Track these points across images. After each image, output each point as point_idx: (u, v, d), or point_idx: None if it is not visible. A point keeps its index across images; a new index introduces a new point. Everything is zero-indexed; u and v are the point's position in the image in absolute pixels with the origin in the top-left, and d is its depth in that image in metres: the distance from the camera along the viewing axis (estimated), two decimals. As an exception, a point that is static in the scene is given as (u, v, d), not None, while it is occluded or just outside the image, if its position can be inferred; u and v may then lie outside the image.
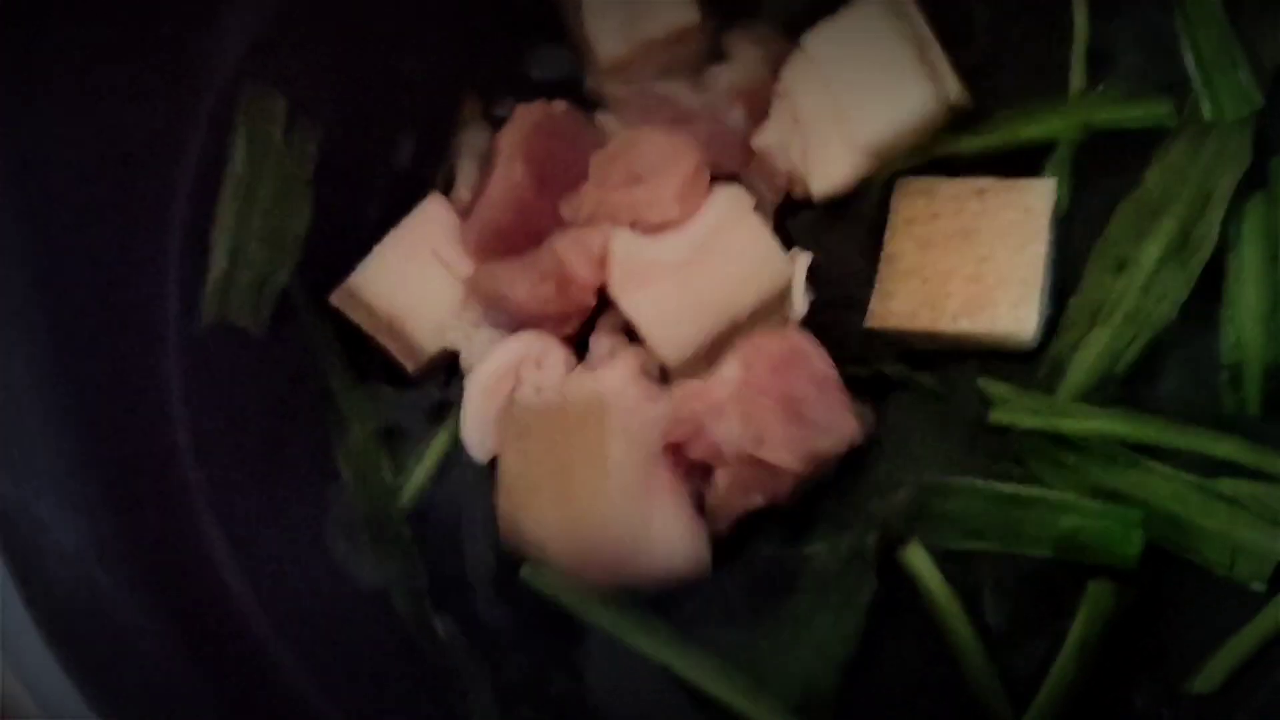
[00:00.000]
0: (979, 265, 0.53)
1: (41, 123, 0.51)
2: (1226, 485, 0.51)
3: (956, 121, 0.56)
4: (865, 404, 0.55)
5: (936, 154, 0.55)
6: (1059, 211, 0.54)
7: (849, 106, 0.55)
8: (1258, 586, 0.50)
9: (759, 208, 0.56)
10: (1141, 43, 0.55)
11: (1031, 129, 0.55)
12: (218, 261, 0.59)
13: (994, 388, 0.53)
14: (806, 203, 0.57)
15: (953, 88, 0.55)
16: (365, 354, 0.59)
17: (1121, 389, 0.52)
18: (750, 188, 0.56)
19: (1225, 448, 0.51)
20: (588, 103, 0.59)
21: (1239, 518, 0.50)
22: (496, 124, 0.60)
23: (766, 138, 0.56)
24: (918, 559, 0.53)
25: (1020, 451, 0.53)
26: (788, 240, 0.56)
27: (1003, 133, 0.55)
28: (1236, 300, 0.52)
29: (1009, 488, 0.52)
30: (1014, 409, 0.53)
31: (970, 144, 0.56)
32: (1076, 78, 0.55)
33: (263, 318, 0.59)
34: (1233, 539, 0.50)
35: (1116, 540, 0.51)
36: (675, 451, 0.53)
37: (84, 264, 0.54)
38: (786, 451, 0.52)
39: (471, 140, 0.60)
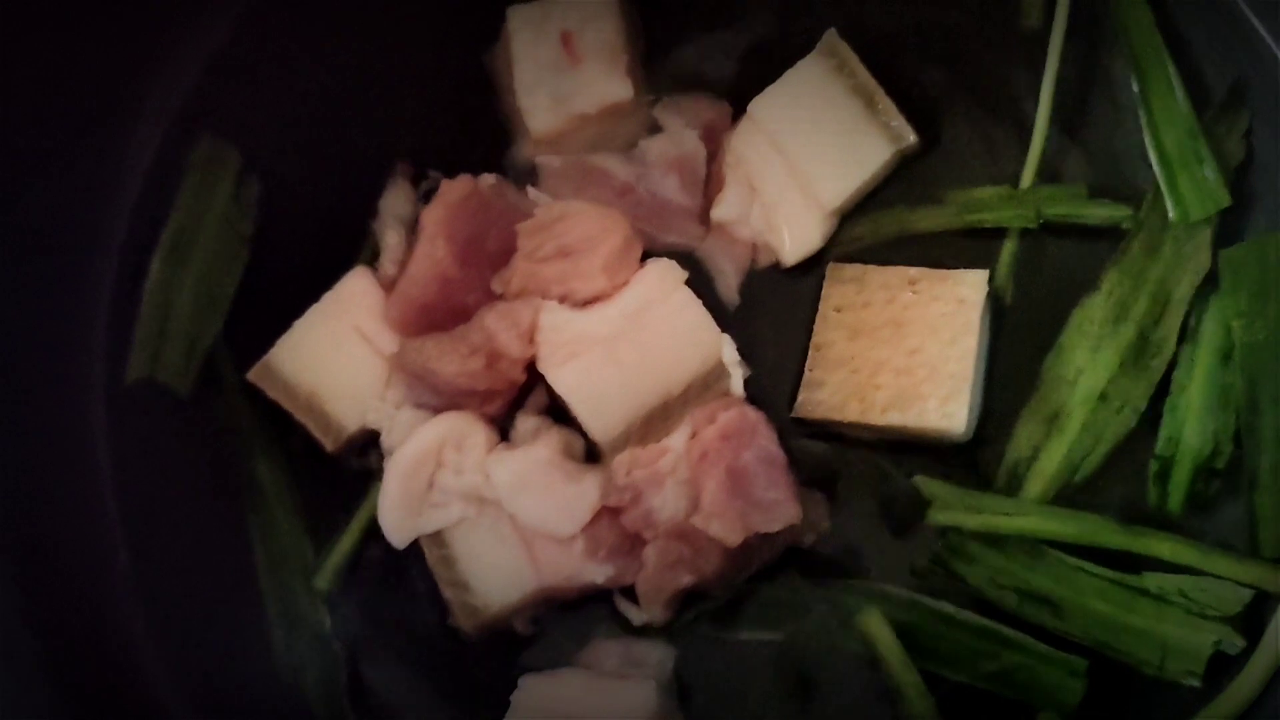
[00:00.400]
0: (909, 358, 0.52)
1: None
2: (1152, 581, 0.49)
3: (910, 195, 0.55)
4: (817, 494, 0.54)
5: (890, 234, 0.55)
6: (1004, 299, 0.53)
7: (807, 168, 0.54)
8: (1192, 682, 0.48)
9: (722, 280, 0.55)
10: (1096, 149, 0.54)
11: (987, 214, 0.54)
12: (148, 315, 0.57)
13: (931, 486, 0.52)
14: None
15: (905, 132, 0.54)
16: (287, 425, 0.57)
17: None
18: (710, 260, 0.56)
19: (1166, 549, 0.50)
20: (520, 174, 0.58)
21: (1166, 614, 0.49)
22: (426, 196, 0.58)
23: (725, 210, 0.55)
24: (874, 624, 0.51)
25: (944, 550, 0.52)
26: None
27: (959, 214, 0.54)
28: (1181, 396, 0.51)
29: (959, 612, 0.51)
30: (952, 510, 0.52)
31: (925, 220, 0.55)
32: (1028, 175, 0.54)
33: (190, 379, 0.57)
34: (1161, 637, 0.49)
35: (1057, 687, 0.50)
36: (609, 518, 0.52)
37: (10, 311, 0.52)
38: (722, 523, 0.51)
39: (395, 209, 0.58)
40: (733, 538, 0.51)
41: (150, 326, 0.57)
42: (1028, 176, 0.54)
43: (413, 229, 0.58)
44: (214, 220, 0.58)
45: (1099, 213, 0.53)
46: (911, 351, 0.51)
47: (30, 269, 0.54)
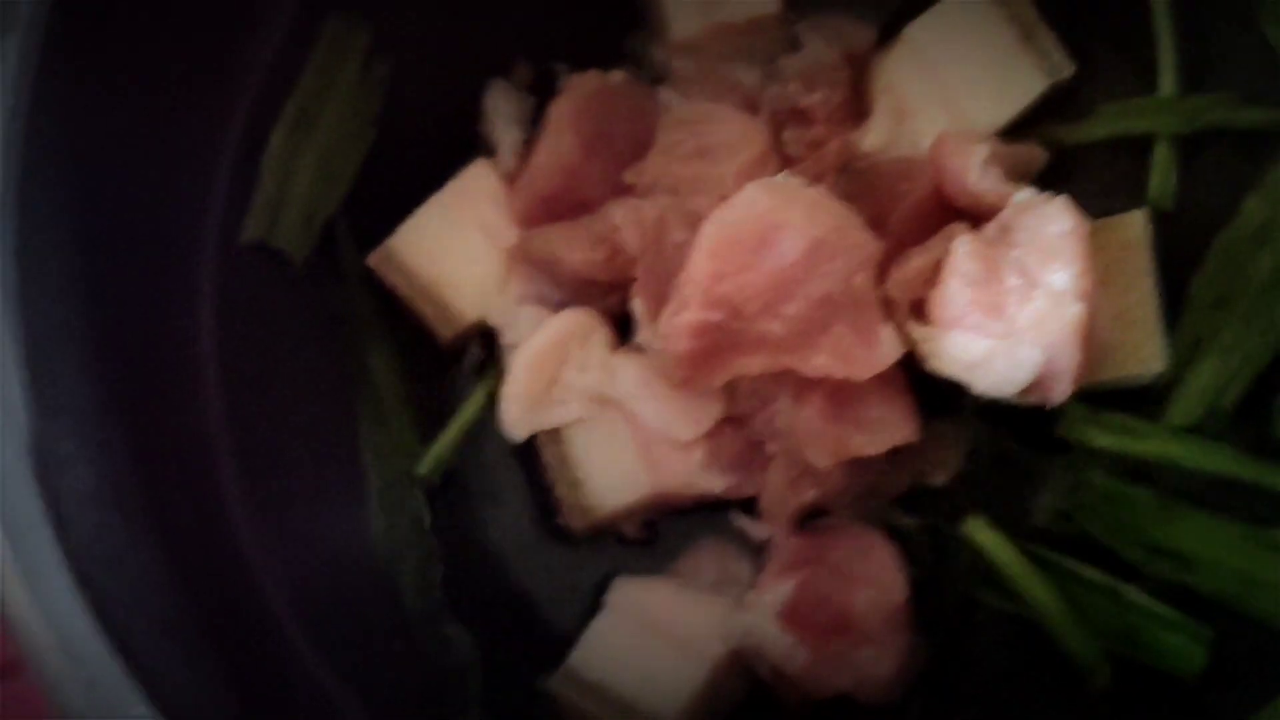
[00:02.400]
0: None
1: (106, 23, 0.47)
2: None
3: (1060, 109, 0.55)
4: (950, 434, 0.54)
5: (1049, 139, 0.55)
6: (1167, 207, 0.53)
7: (960, 94, 0.54)
8: None
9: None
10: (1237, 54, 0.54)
11: (1138, 122, 0.54)
12: (267, 181, 0.55)
13: (1070, 407, 0.51)
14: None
15: (1063, 64, 0.54)
16: (399, 316, 0.57)
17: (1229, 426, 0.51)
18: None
19: None
20: (650, 75, 0.58)
21: None
22: (535, 91, 0.58)
23: (874, 137, 0.54)
24: (981, 533, 0.51)
25: (1072, 504, 0.52)
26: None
27: (1109, 124, 0.54)
28: None
29: (1082, 567, 0.51)
30: (1084, 426, 0.52)
31: (1074, 134, 0.55)
32: (1166, 83, 0.54)
33: (305, 247, 0.56)
34: None
35: (1180, 652, 0.50)
36: (733, 427, 0.52)
37: (127, 170, 0.50)
38: (814, 448, 0.50)
39: (501, 109, 0.58)
40: (825, 462, 0.51)
41: (269, 192, 0.55)
42: (1166, 86, 0.54)
43: (525, 125, 0.57)
44: (340, 95, 0.56)
45: (1252, 116, 0.53)
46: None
47: (161, 116, 0.52)
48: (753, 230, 0.47)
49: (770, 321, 0.47)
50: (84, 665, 0.41)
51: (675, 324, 0.47)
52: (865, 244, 0.47)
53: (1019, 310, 0.47)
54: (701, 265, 0.46)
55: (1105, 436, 0.52)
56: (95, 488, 0.47)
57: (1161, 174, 0.54)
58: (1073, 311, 0.46)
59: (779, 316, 0.47)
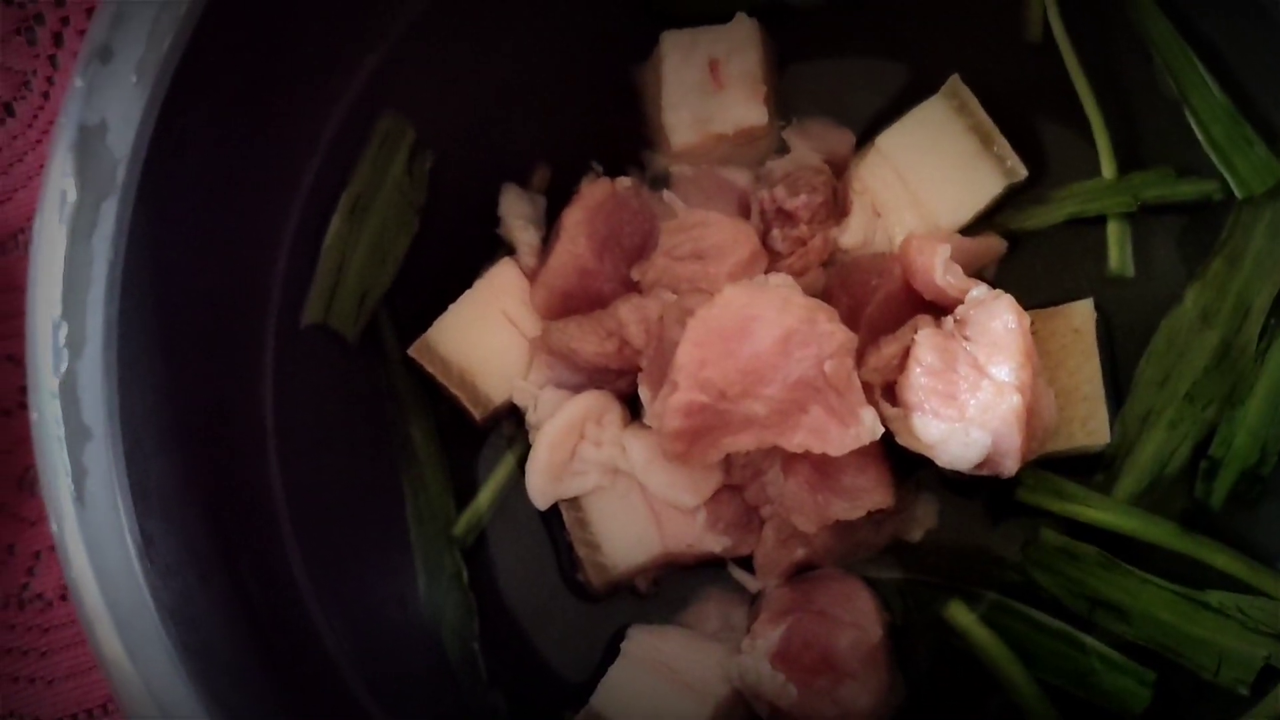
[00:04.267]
0: None
1: (183, 131, 0.53)
2: (1214, 597, 0.55)
3: (1017, 199, 0.61)
4: (927, 494, 0.61)
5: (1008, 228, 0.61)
6: (1124, 274, 0.60)
7: (927, 196, 0.60)
8: (1242, 690, 0.54)
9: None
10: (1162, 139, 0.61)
11: (1085, 203, 0.60)
12: (326, 268, 0.62)
13: (1026, 473, 0.58)
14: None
15: (1017, 167, 0.60)
16: (437, 395, 0.64)
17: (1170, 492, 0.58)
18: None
19: (1222, 560, 0.56)
20: (653, 179, 0.65)
21: (1225, 627, 0.55)
22: (545, 192, 0.65)
23: (851, 235, 0.61)
24: (961, 615, 0.58)
25: (1026, 559, 0.58)
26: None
27: (1062, 209, 0.60)
28: (1240, 408, 0.57)
29: (1043, 616, 0.57)
30: (1040, 494, 0.58)
31: (1031, 220, 0.61)
32: (1107, 168, 0.60)
33: (358, 328, 0.63)
34: (1219, 646, 0.55)
35: (1126, 693, 0.56)
36: (730, 494, 0.59)
37: (203, 273, 0.56)
38: (800, 515, 0.57)
39: (515, 211, 0.64)
40: (810, 527, 0.57)
41: (327, 276, 0.63)
42: (1108, 169, 0.60)
43: (540, 224, 0.64)
44: (390, 187, 0.63)
45: (1189, 189, 0.59)
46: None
47: (228, 214, 0.59)
48: (732, 323, 0.54)
49: (753, 403, 0.54)
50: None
51: (668, 404, 0.54)
52: (834, 333, 0.54)
53: (969, 398, 0.54)
54: (688, 353, 0.54)
55: (1058, 503, 0.58)
56: (179, 560, 0.55)
57: (1117, 246, 0.60)
58: (1013, 401, 0.53)
59: (760, 398, 0.54)
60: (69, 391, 0.46)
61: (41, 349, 0.46)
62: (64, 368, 0.46)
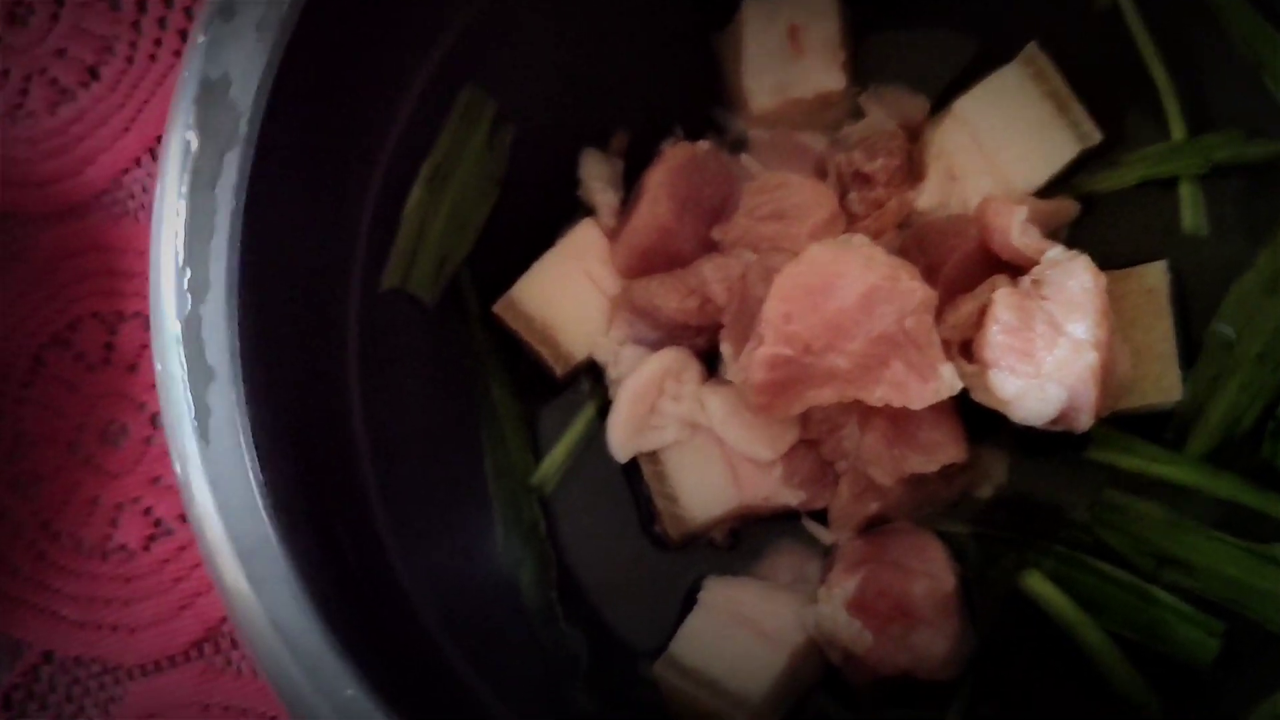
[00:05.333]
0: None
1: (294, 93, 0.55)
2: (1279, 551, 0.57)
3: (1091, 163, 0.63)
4: (997, 450, 0.62)
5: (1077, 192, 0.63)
6: (1198, 233, 0.61)
7: (1003, 160, 0.62)
8: None
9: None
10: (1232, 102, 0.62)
11: (1158, 166, 0.61)
12: (405, 234, 0.64)
13: (1098, 429, 0.59)
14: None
15: (1092, 132, 0.62)
16: (517, 352, 0.66)
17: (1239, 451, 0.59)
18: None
19: None
20: (731, 142, 0.66)
21: None
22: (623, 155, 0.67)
23: (928, 197, 0.62)
24: (1039, 584, 0.59)
25: (1092, 518, 0.60)
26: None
27: (1134, 171, 0.62)
28: None
29: (1112, 569, 0.59)
30: (1110, 450, 0.59)
31: (1104, 184, 0.62)
32: (1176, 130, 0.62)
33: (436, 293, 0.65)
34: None
35: (1195, 643, 0.57)
36: (807, 449, 0.61)
37: (289, 229, 0.58)
38: (877, 467, 0.59)
39: (594, 173, 0.66)
40: (886, 480, 0.59)
41: (407, 243, 0.64)
42: (1178, 131, 0.62)
43: (619, 187, 0.66)
44: (470, 158, 0.65)
45: (1259, 150, 0.60)
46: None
47: (313, 182, 0.61)
48: (817, 279, 0.55)
49: (836, 357, 0.56)
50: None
51: (754, 357, 0.56)
52: (915, 290, 0.55)
53: (1046, 355, 0.55)
54: (774, 308, 0.55)
55: (1128, 459, 0.60)
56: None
57: (1190, 206, 0.61)
58: (1090, 358, 0.54)
59: (843, 353, 0.55)
60: (192, 334, 0.48)
61: (165, 294, 0.48)
62: (187, 311, 0.48)
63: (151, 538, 0.74)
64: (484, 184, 0.66)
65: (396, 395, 0.66)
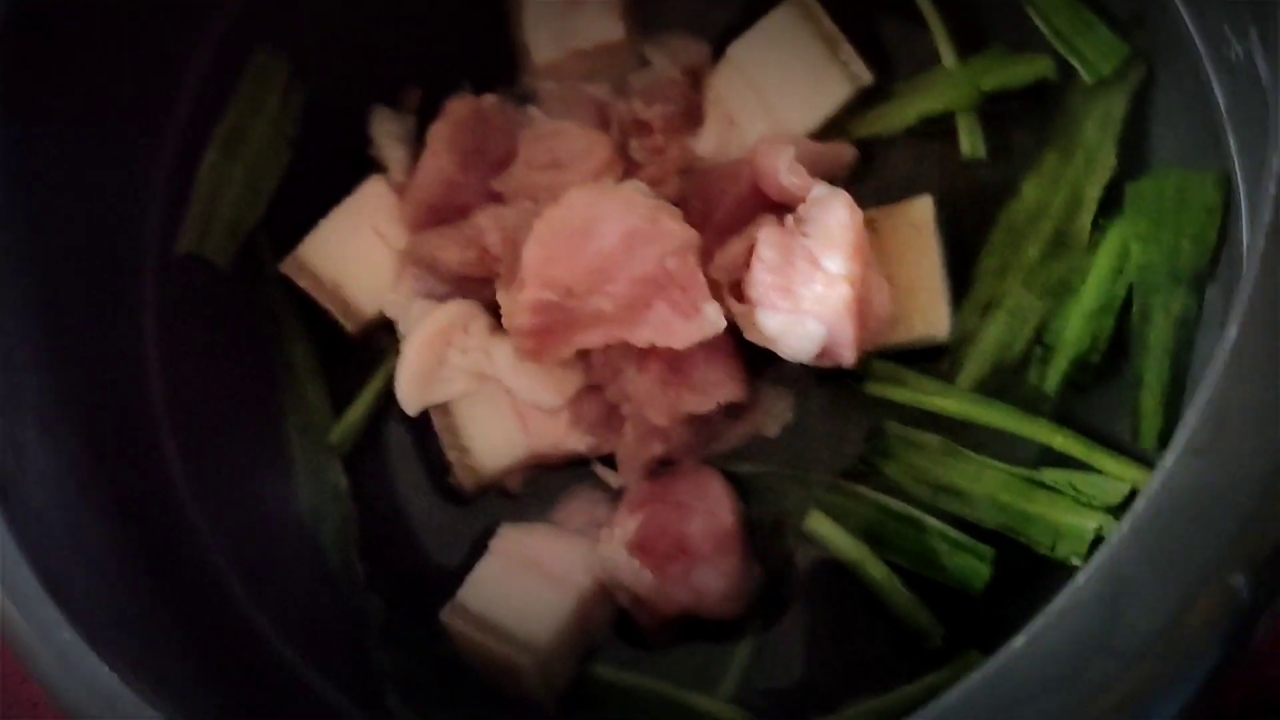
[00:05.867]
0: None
1: (47, 59, 0.56)
2: (1049, 475, 0.57)
3: (870, 104, 0.63)
4: (782, 388, 0.62)
5: (856, 136, 0.63)
6: (977, 157, 0.62)
7: (777, 103, 0.62)
8: (1076, 561, 0.56)
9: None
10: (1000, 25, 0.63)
11: (932, 102, 0.62)
12: (199, 199, 0.65)
13: (874, 363, 0.60)
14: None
15: (862, 72, 0.62)
16: (314, 313, 0.66)
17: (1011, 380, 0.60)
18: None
19: (1059, 441, 0.58)
20: (519, 96, 0.67)
21: (1059, 504, 0.57)
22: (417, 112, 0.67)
23: (705, 142, 0.63)
24: (821, 524, 0.60)
25: (870, 450, 0.60)
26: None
27: (907, 110, 0.62)
28: (1072, 298, 0.59)
29: (889, 501, 0.60)
30: (885, 384, 0.60)
31: (882, 124, 0.63)
32: (946, 57, 0.63)
33: (230, 256, 0.66)
34: (1054, 523, 0.57)
35: (968, 570, 0.58)
36: (592, 395, 0.61)
37: (75, 193, 0.59)
38: (652, 408, 0.59)
39: (386, 129, 0.67)
40: (662, 420, 0.60)
41: (201, 208, 0.66)
42: (947, 58, 0.62)
43: (410, 143, 0.67)
44: (264, 121, 0.66)
45: (1023, 70, 0.61)
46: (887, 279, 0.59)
47: (100, 145, 0.61)
48: (576, 222, 0.56)
49: (600, 299, 0.56)
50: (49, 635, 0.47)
51: (517, 302, 0.56)
52: (675, 232, 0.56)
53: (804, 290, 0.56)
54: (534, 252, 0.56)
55: (902, 393, 0.60)
56: (55, 467, 0.57)
57: (968, 134, 0.62)
58: (843, 291, 0.55)
59: (606, 295, 0.56)
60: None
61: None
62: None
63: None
64: (277, 146, 0.67)
65: (195, 357, 0.67)
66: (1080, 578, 0.38)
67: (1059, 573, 0.57)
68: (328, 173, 0.67)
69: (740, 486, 0.62)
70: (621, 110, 0.64)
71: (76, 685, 0.43)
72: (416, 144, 0.67)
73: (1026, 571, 0.58)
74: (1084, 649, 0.38)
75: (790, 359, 0.58)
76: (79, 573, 0.54)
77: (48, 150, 0.59)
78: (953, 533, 0.59)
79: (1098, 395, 0.59)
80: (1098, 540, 0.56)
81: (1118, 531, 0.38)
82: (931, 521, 0.59)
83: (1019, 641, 0.38)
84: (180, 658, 0.58)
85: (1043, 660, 0.38)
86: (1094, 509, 0.56)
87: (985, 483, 0.58)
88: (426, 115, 0.67)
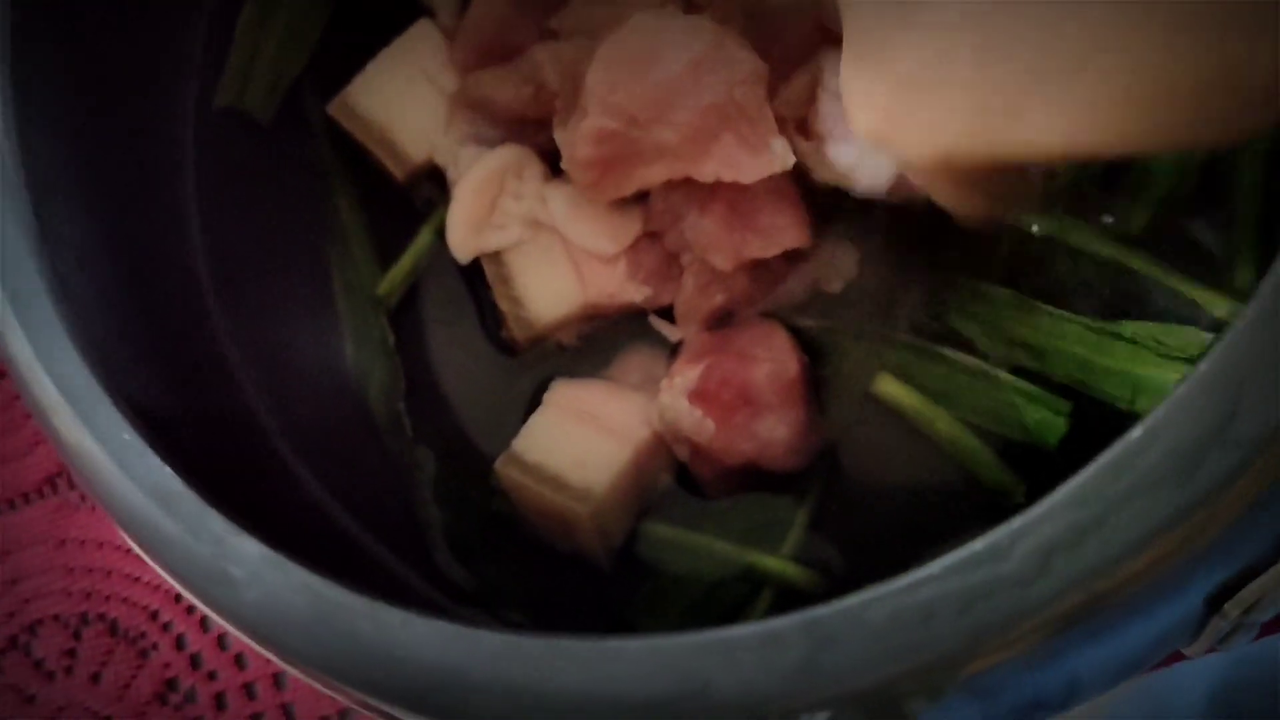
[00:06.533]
0: None
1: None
2: (1127, 328, 0.55)
3: None
4: (846, 243, 0.60)
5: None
6: None
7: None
8: None
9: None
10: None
11: None
12: (238, 52, 0.63)
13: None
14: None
15: None
16: (360, 166, 0.64)
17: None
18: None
19: (1140, 264, 0.56)
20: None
21: (1137, 356, 0.55)
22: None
23: None
24: (889, 386, 0.58)
25: (938, 307, 0.58)
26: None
27: None
28: None
29: (960, 356, 0.57)
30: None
31: None
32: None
33: (271, 110, 0.64)
34: (1133, 376, 0.55)
35: (1043, 424, 0.56)
36: (651, 243, 0.59)
37: (114, 44, 0.58)
38: (716, 253, 0.57)
39: None
40: (725, 265, 0.57)
41: (239, 60, 0.63)
42: None
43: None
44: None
45: None
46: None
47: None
48: (640, 48, 0.53)
49: (664, 130, 0.54)
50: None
51: (579, 130, 0.54)
52: (744, 60, 0.53)
53: None
54: (598, 78, 0.53)
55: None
56: (94, 294, 0.55)
57: None
58: None
59: (671, 125, 0.54)
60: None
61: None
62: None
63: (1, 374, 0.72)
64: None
65: (237, 212, 0.65)
66: (1201, 365, 0.35)
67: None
68: (372, 20, 0.65)
69: (802, 342, 0.60)
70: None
71: (135, 484, 0.41)
72: (463, -9, 0.64)
73: (1101, 427, 0.56)
74: (1202, 441, 0.35)
75: (864, 193, 0.55)
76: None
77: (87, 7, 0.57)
78: (1028, 386, 0.56)
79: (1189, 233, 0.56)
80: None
81: (1237, 321, 0.36)
82: (1004, 376, 0.57)
83: (1135, 433, 0.35)
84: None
85: (1159, 453, 0.35)
86: (1175, 360, 0.54)
87: (1062, 336, 0.56)
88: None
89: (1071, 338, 0.56)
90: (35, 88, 0.52)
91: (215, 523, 0.40)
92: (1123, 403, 0.55)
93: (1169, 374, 0.54)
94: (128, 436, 0.42)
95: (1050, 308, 0.57)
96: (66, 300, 0.46)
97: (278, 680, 0.66)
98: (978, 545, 0.35)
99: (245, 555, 0.40)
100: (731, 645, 0.36)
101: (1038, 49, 0.43)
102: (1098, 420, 0.56)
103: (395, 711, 0.40)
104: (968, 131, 0.47)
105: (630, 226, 0.60)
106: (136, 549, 0.41)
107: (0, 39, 0.49)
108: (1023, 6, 0.43)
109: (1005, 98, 0.45)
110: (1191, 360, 0.54)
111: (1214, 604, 0.38)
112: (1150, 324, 0.55)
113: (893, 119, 0.49)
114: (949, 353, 0.58)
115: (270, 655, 0.41)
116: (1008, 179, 0.54)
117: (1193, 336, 0.55)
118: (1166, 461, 0.35)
